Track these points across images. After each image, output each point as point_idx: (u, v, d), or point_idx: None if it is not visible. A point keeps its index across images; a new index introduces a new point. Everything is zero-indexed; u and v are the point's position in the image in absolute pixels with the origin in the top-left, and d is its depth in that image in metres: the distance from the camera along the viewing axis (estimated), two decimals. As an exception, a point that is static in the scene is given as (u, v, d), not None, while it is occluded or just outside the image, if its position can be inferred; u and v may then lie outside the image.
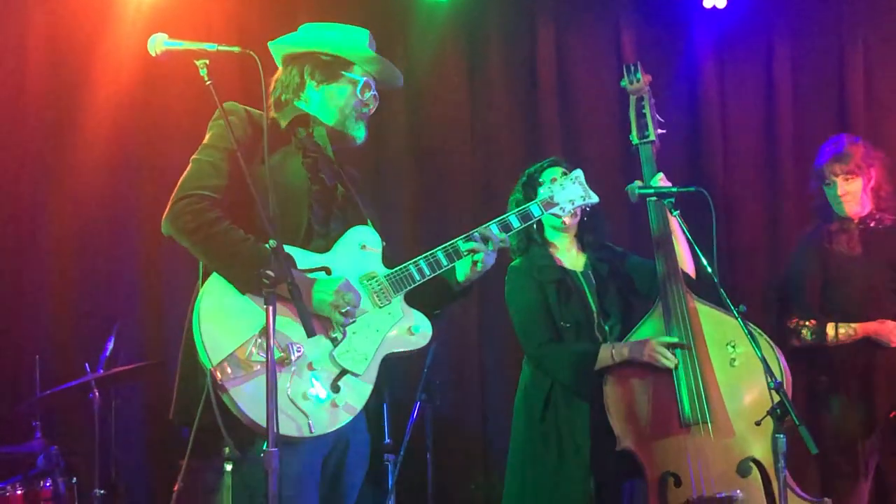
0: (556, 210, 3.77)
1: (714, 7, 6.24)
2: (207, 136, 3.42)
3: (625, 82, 4.49)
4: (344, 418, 3.26)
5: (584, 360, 4.16)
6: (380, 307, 3.40)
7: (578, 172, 3.87)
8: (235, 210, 3.30)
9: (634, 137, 4.41)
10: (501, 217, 3.65)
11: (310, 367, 3.23)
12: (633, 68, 4.49)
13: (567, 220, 4.30)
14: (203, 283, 3.25)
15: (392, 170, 6.03)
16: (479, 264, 3.51)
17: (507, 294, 4.42)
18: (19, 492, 4.84)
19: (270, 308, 2.98)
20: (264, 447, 2.98)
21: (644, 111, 4.41)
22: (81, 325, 5.54)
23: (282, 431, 3.05)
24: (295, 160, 3.43)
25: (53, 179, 5.58)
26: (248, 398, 3.09)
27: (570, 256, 4.43)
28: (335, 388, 3.25)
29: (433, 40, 6.15)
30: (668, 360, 4.05)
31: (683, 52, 6.39)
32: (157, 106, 5.70)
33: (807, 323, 4.76)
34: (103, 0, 5.64)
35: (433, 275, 3.48)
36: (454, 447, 5.85)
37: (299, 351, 3.20)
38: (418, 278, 3.45)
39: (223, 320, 3.17)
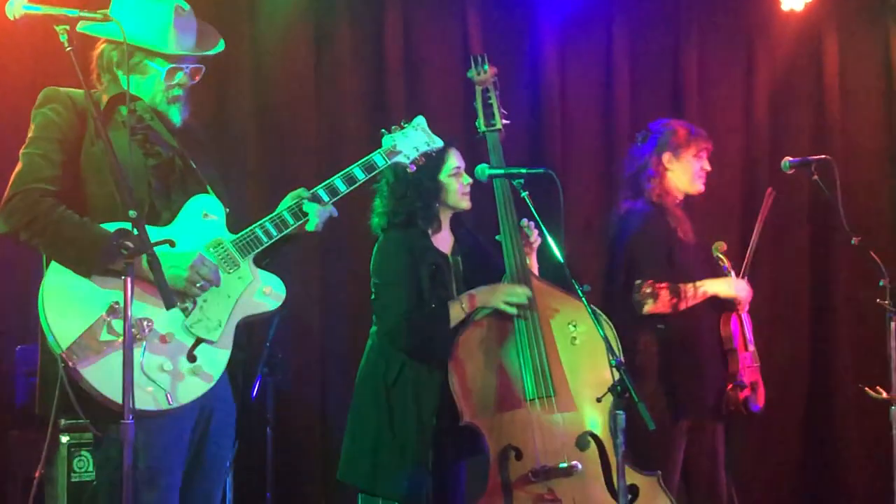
0: (400, 158, 3.83)
1: (559, -9, 6.36)
2: (33, 127, 3.37)
3: (472, 73, 4.57)
4: (201, 387, 3.29)
5: (438, 320, 4.20)
6: (228, 273, 3.41)
7: (420, 119, 3.95)
8: (72, 198, 3.29)
9: (481, 125, 4.51)
10: (345, 170, 3.69)
11: (163, 339, 3.25)
12: (480, 59, 4.58)
13: (468, 199, 4.39)
14: (47, 267, 3.24)
15: (236, 136, 5.94)
16: (308, 224, 3.57)
17: (377, 264, 4.35)
18: None
19: (128, 280, 2.97)
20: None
21: (490, 101, 4.52)
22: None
23: (139, 406, 3.09)
24: (125, 138, 3.35)
25: None
26: (101, 377, 3.11)
27: (444, 238, 4.45)
28: (191, 358, 3.28)
29: (281, 14, 6.07)
30: (519, 297, 4.16)
31: (527, 35, 6.49)
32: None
33: (662, 285, 4.80)
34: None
35: (280, 235, 3.51)
36: (294, 422, 5.86)
37: (150, 325, 3.21)
38: (265, 240, 3.48)
39: (68, 305, 3.17)
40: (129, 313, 2.96)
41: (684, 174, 4.99)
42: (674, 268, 4.87)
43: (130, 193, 3.11)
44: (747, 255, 5.08)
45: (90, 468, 4.83)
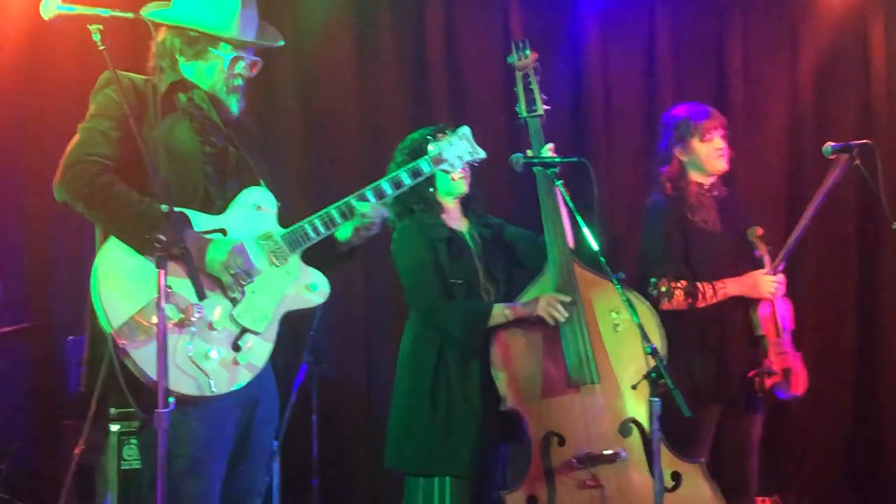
0: (445, 166, 3.85)
1: (600, -21, 6.34)
2: (93, 106, 3.42)
3: (512, 58, 4.61)
4: (245, 377, 3.33)
5: (478, 316, 4.24)
6: (277, 266, 3.46)
7: (465, 129, 3.95)
8: (127, 178, 3.32)
9: (522, 111, 4.54)
10: (392, 174, 3.72)
11: (210, 327, 3.29)
12: (521, 45, 4.62)
13: (464, 183, 4.41)
14: (101, 246, 3.27)
15: (281, 133, 6.01)
16: (361, 230, 3.61)
17: (396, 252, 4.44)
18: None
19: (162, 272, 3.00)
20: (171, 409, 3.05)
21: (531, 86, 4.55)
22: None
23: (182, 391, 3.13)
24: (183, 125, 3.45)
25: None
26: (150, 360, 3.11)
27: (456, 220, 4.51)
28: (236, 348, 3.32)
29: (323, 9, 6.14)
30: (560, 313, 4.19)
31: (569, 23, 6.47)
32: (44, 68, 5.61)
33: (678, 284, 4.80)
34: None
35: (328, 233, 3.55)
36: (339, 409, 5.93)
37: (200, 312, 3.25)
38: (313, 236, 3.52)
39: (122, 284, 3.20)
40: (163, 305, 2.98)
41: (698, 160, 4.97)
42: (691, 259, 4.86)
43: (167, 188, 3.16)
44: (790, 240, 5.00)
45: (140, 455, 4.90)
